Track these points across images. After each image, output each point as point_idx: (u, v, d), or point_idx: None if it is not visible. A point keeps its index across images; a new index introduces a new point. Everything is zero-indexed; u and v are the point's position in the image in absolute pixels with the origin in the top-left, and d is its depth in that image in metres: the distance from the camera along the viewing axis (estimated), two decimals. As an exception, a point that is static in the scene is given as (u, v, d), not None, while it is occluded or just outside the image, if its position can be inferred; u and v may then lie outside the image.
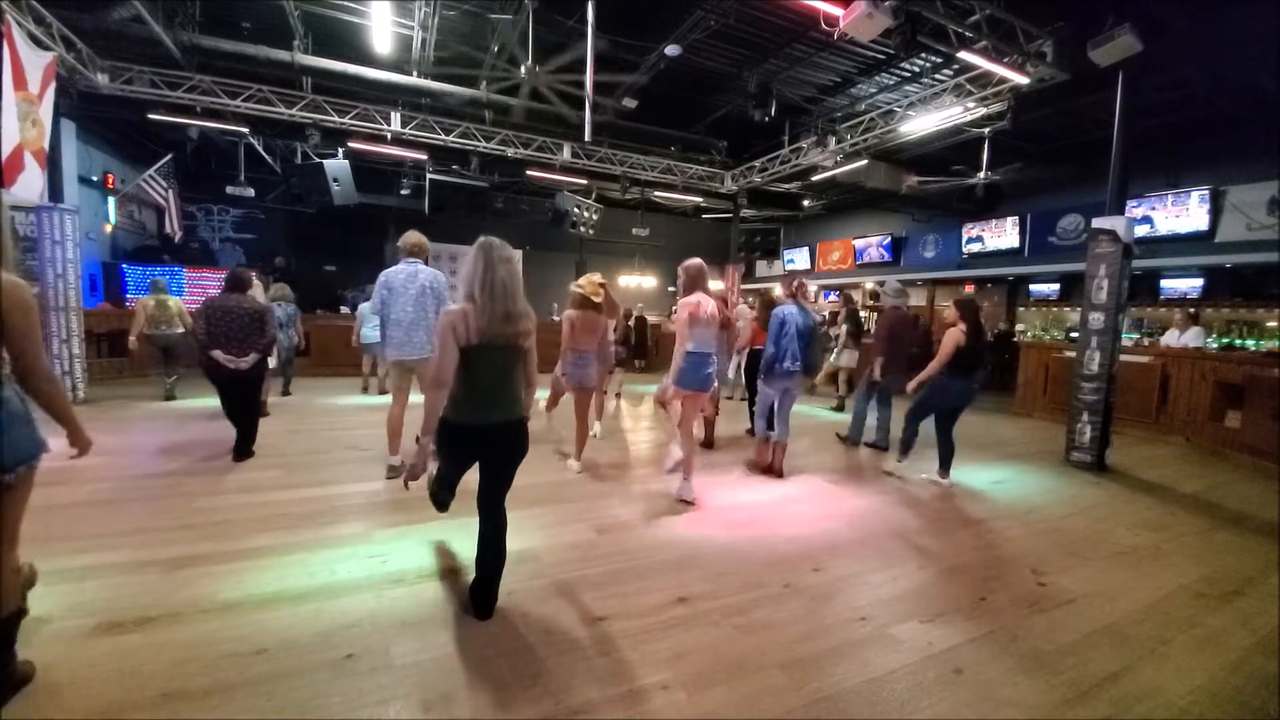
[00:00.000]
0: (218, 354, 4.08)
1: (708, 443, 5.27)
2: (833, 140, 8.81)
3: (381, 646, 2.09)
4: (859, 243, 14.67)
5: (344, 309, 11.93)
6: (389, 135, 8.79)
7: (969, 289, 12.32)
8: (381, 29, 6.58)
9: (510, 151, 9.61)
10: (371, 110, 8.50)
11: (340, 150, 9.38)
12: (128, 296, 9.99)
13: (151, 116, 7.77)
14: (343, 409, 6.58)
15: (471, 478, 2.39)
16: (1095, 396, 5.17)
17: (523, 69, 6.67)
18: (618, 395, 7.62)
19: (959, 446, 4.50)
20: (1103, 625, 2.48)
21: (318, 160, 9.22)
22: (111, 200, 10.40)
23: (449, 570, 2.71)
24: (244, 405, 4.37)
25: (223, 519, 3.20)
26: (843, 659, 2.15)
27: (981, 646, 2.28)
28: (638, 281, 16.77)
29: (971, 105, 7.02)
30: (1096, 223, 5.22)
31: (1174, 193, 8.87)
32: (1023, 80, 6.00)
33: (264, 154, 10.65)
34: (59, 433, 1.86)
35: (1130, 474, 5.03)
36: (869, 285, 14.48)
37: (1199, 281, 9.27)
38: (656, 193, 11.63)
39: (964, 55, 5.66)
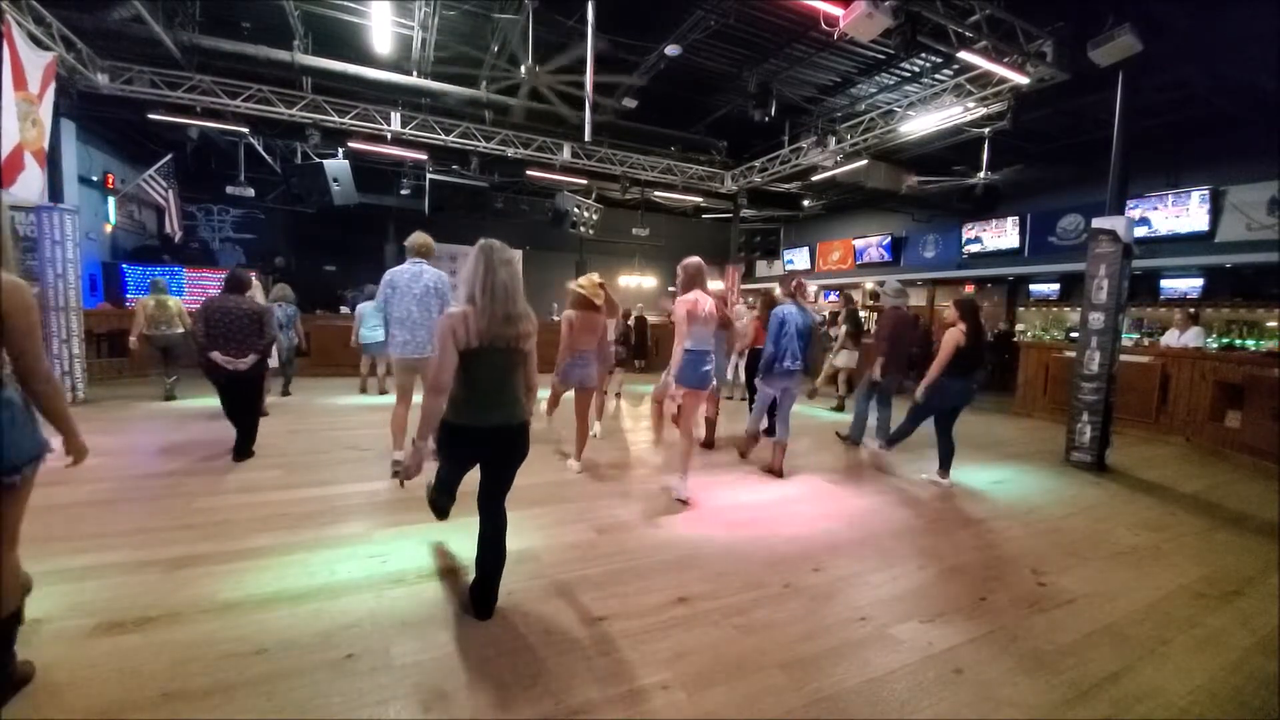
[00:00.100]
0: (216, 355, 4.08)
1: (708, 443, 5.27)
2: (833, 140, 8.81)
3: (381, 646, 2.09)
4: (859, 243, 14.67)
5: (344, 309, 11.92)
6: (389, 135, 8.79)
7: (969, 289, 12.32)
8: (381, 29, 6.58)
9: (510, 151, 9.61)
10: (371, 110, 8.49)
11: (340, 150, 9.37)
12: (128, 296, 9.99)
13: (151, 116, 7.77)
14: (343, 409, 6.58)
15: (471, 479, 2.39)
16: (1095, 396, 5.17)
17: (523, 69, 6.67)
18: (618, 395, 7.62)
19: (959, 446, 4.50)
20: (1103, 625, 2.48)
21: (318, 160, 9.22)
22: (111, 200, 10.39)
23: (449, 570, 2.71)
24: (244, 406, 4.37)
25: (223, 519, 3.20)
26: (843, 659, 2.15)
27: (981, 646, 2.28)
28: (638, 281, 16.77)
29: (971, 105, 7.02)
30: (1096, 223, 5.22)
31: (1174, 193, 8.87)
32: (1023, 80, 6.00)
33: (264, 154, 10.65)
34: (59, 434, 1.86)
35: (1130, 474, 5.03)
36: (869, 285, 14.48)
37: (1199, 281, 9.27)
38: (656, 193, 11.63)
39: (964, 55, 5.66)
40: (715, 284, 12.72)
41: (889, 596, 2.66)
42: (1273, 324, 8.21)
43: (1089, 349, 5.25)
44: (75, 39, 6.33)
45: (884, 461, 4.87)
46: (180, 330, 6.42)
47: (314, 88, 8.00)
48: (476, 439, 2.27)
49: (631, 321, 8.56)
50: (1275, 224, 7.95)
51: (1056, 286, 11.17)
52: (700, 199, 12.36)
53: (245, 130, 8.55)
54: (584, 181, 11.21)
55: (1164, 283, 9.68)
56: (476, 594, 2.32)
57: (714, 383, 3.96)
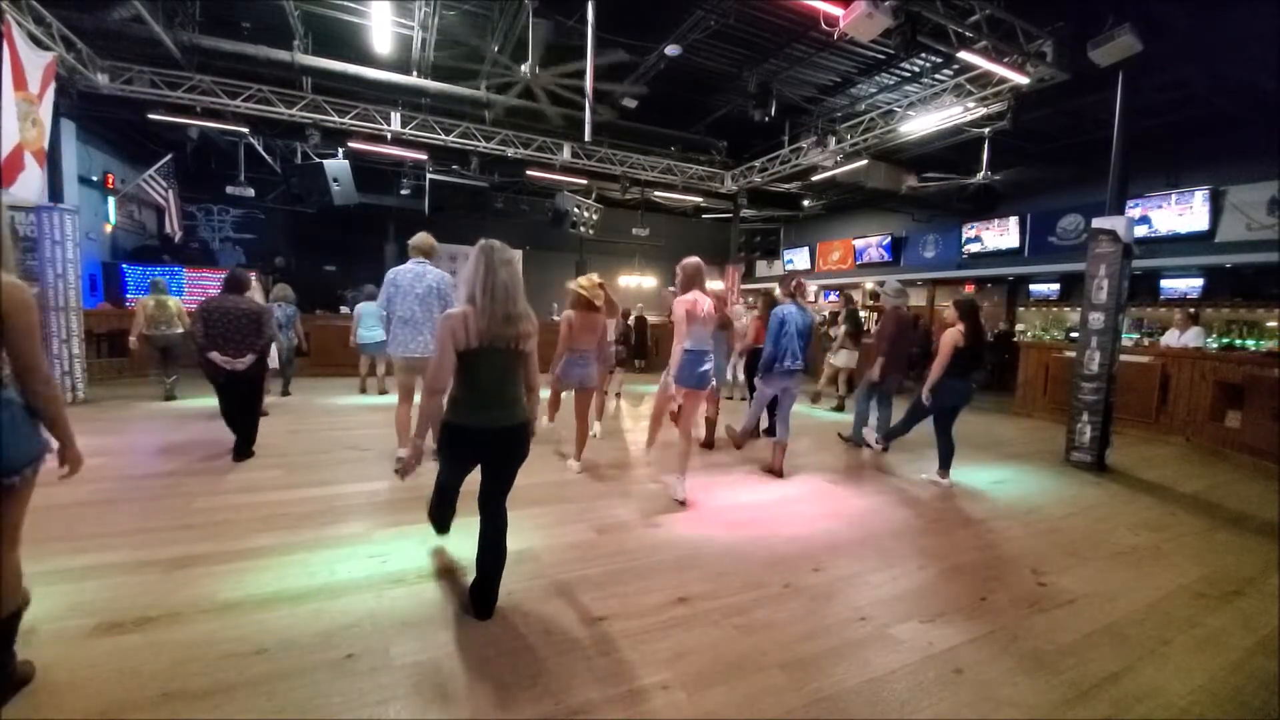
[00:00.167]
0: (215, 355, 4.08)
1: (708, 443, 5.27)
2: (833, 140, 8.80)
3: (381, 646, 2.09)
4: (859, 243, 14.67)
5: (344, 309, 11.93)
6: (389, 135, 8.79)
7: (969, 289, 12.32)
8: (381, 29, 6.57)
9: (510, 151, 9.61)
10: (371, 110, 8.49)
11: (340, 150, 9.37)
12: (128, 296, 9.99)
13: (151, 116, 7.77)
14: (342, 409, 6.58)
15: (472, 481, 2.39)
16: (1095, 396, 5.17)
17: (523, 69, 6.66)
18: (618, 395, 7.62)
19: (959, 446, 4.50)
20: (1103, 625, 2.48)
21: (318, 160, 9.22)
22: (111, 200, 10.39)
23: (449, 570, 2.70)
24: (244, 406, 4.37)
25: (223, 519, 3.20)
26: (843, 659, 2.15)
27: (981, 646, 2.28)
28: (638, 281, 16.77)
29: (971, 105, 7.02)
30: (1096, 223, 5.22)
31: (1178, 192, 8.85)
32: (1023, 80, 6.00)
33: (264, 154, 10.64)
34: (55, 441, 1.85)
35: (1130, 474, 5.03)
36: (869, 285, 14.48)
37: (1199, 281, 9.27)
38: (656, 193, 11.63)
39: (964, 55, 5.66)
40: (715, 284, 12.76)
41: (889, 596, 2.66)
42: (1273, 324, 8.20)
43: (1089, 349, 5.25)
44: (75, 39, 6.33)
45: (884, 461, 4.87)
46: (180, 330, 6.41)
47: (314, 88, 7.99)
48: (477, 439, 2.27)
49: (631, 321, 8.56)
50: (1275, 224, 7.95)
51: (1056, 286, 11.17)
52: (700, 199, 12.36)
53: (245, 130, 8.55)
54: (584, 181, 11.21)
55: (1164, 283, 9.67)
56: (476, 594, 2.32)
57: (713, 383, 3.96)
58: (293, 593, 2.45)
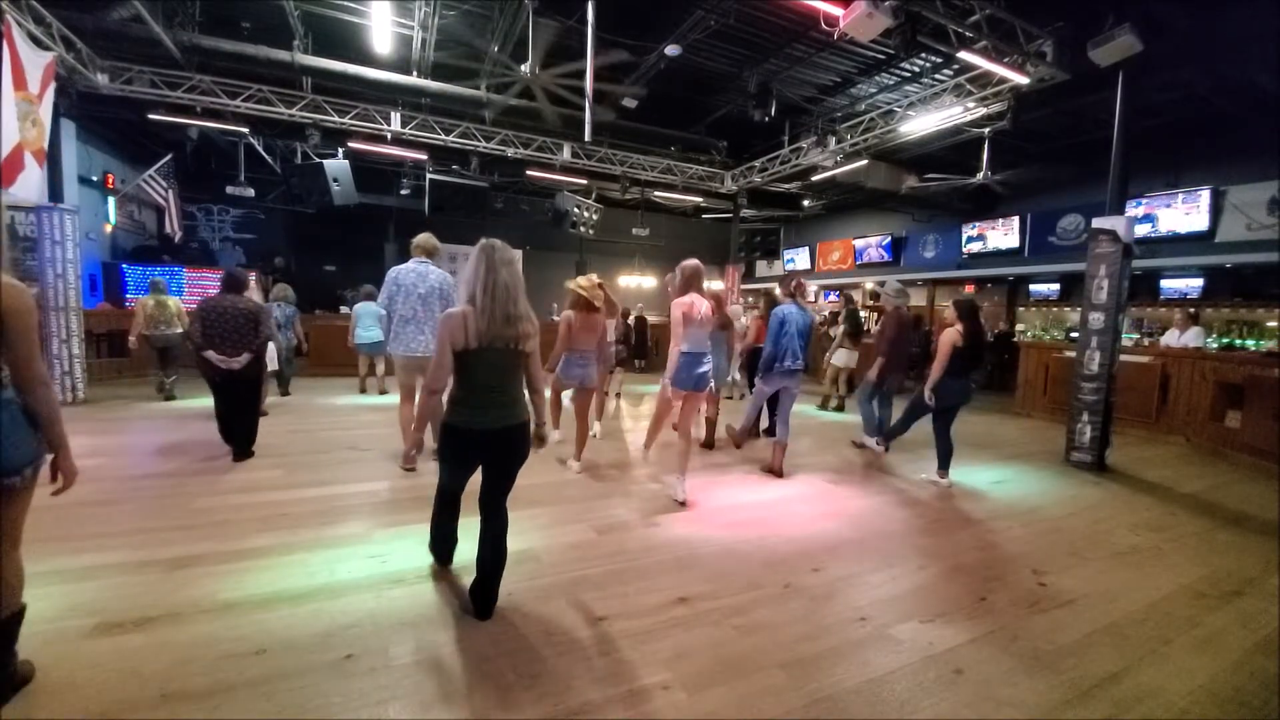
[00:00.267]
0: (210, 354, 4.07)
1: (708, 443, 5.27)
2: (833, 140, 8.80)
3: (381, 646, 2.09)
4: (859, 243, 14.67)
5: (344, 309, 11.93)
6: (389, 135, 8.79)
7: (969, 289, 12.32)
8: (381, 29, 6.57)
9: (510, 151, 9.61)
10: (371, 110, 8.49)
11: (340, 150, 9.37)
12: (127, 296, 9.98)
13: (151, 116, 7.77)
14: (342, 409, 6.58)
15: (471, 484, 2.39)
16: (1095, 396, 5.17)
17: (523, 69, 6.66)
18: (618, 395, 7.62)
19: (959, 446, 4.50)
20: (1103, 625, 2.48)
21: (318, 160, 9.23)
22: (111, 200, 10.39)
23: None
24: (242, 405, 4.37)
25: (223, 519, 3.20)
26: (843, 659, 2.15)
27: (982, 646, 2.28)
28: (638, 281, 16.77)
29: (971, 105, 7.02)
30: (1096, 223, 5.22)
31: (1184, 191, 8.83)
32: (1023, 80, 6.00)
33: (264, 154, 10.64)
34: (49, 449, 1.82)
35: (1130, 474, 5.03)
36: (869, 285, 14.48)
37: (1199, 281, 9.26)
38: (656, 193, 11.62)
39: (964, 55, 5.66)
40: (715, 284, 12.76)
41: (889, 596, 2.66)
42: (1273, 324, 8.20)
43: (1089, 349, 5.25)
44: (75, 39, 6.33)
45: (883, 461, 4.87)
46: (179, 330, 6.42)
47: (314, 88, 7.99)
48: (477, 440, 2.27)
49: (631, 321, 8.56)
50: (1275, 224, 7.95)
51: (1056, 286, 11.16)
52: (700, 199, 12.36)
53: (245, 130, 8.54)
54: (584, 181, 11.21)
55: (1164, 283, 9.67)
56: (476, 594, 2.32)
57: (711, 384, 3.96)
58: (292, 593, 2.45)
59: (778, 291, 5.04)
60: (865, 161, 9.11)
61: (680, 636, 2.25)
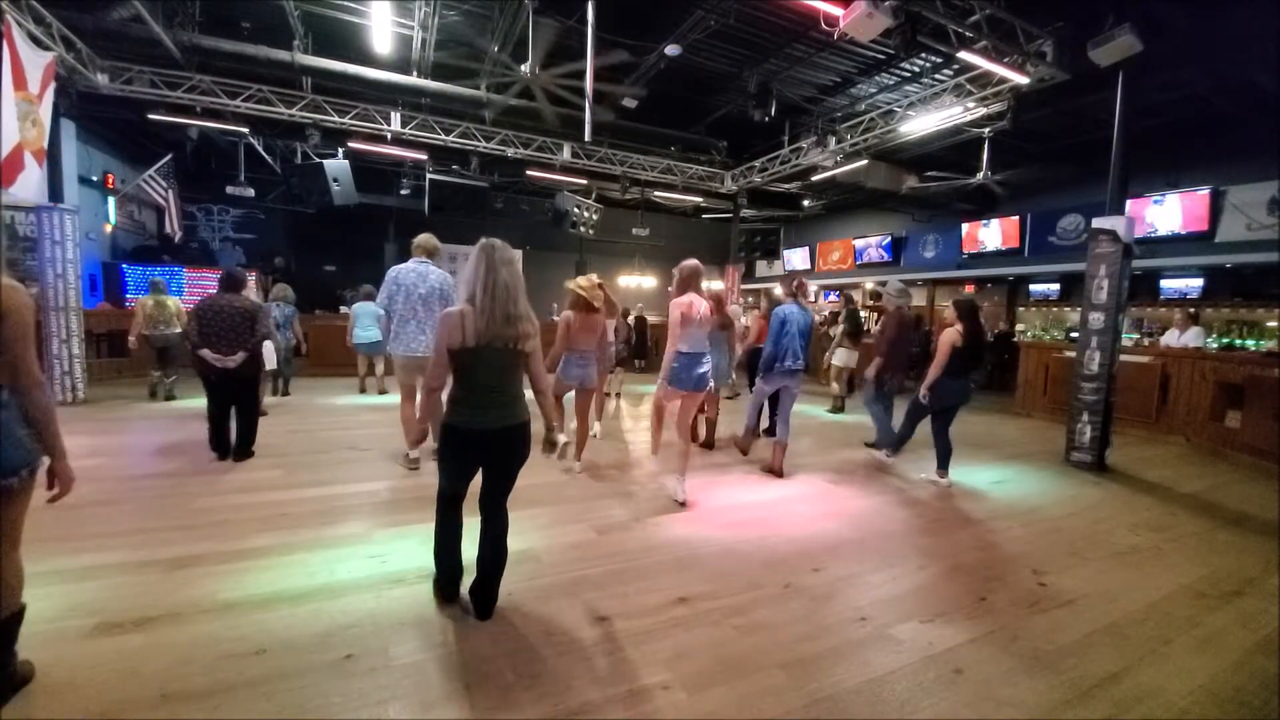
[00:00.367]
0: (205, 352, 4.07)
1: (708, 443, 5.27)
2: (833, 140, 8.80)
3: (381, 646, 2.09)
4: (859, 243, 14.66)
5: (344, 309, 11.93)
6: (389, 135, 8.79)
7: (969, 289, 12.32)
8: (381, 29, 6.57)
9: (510, 151, 9.61)
10: (371, 110, 8.49)
11: (340, 150, 9.37)
12: (127, 296, 9.99)
13: (151, 116, 7.77)
14: (342, 409, 6.58)
15: (473, 487, 2.39)
16: (1095, 396, 5.17)
17: (523, 69, 6.66)
18: (618, 395, 7.62)
19: (959, 446, 4.50)
20: (1103, 625, 2.48)
21: (318, 160, 9.22)
22: (111, 200, 10.39)
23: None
24: (240, 405, 4.36)
25: (223, 519, 3.20)
26: (843, 659, 2.15)
27: (982, 646, 2.28)
28: (638, 281, 16.76)
29: (971, 105, 7.02)
30: (1097, 223, 5.22)
31: (1188, 191, 8.81)
32: (1023, 80, 6.00)
33: (264, 154, 10.64)
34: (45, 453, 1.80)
35: (1130, 474, 5.03)
36: (869, 285, 14.48)
37: (1199, 281, 9.26)
38: (656, 193, 11.62)
39: (964, 55, 5.66)
40: (715, 284, 12.75)
41: (889, 596, 2.66)
42: (1273, 324, 8.20)
43: (1089, 349, 5.25)
44: (75, 39, 6.33)
45: (884, 462, 4.86)
46: (179, 330, 6.41)
47: (314, 88, 7.99)
48: (477, 440, 2.26)
49: (631, 321, 8.56)
50: (1275, 224, 7.95)
51: (1056, 286, 11.16)
52: (700, 199, 12.36)
53: (245, 130, 8.54)
54: (584, 181, 11.20)
55: (1164, 283, 9.66)
56: (476, 594, 2.32)
57: (711, 384, 3.96)
58: (292, 593, 2.45)
59: (779, 291, 5.04)
60: (865, 161, 9.11)
61: (680, 636, 2.25)
